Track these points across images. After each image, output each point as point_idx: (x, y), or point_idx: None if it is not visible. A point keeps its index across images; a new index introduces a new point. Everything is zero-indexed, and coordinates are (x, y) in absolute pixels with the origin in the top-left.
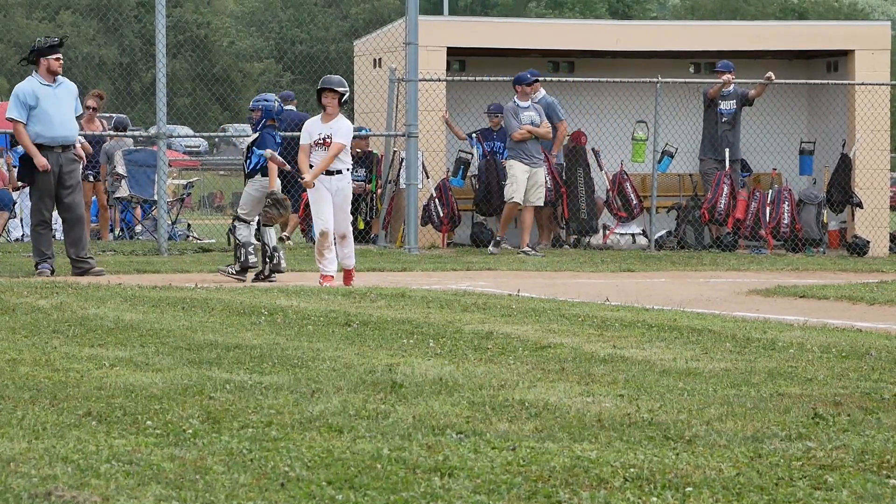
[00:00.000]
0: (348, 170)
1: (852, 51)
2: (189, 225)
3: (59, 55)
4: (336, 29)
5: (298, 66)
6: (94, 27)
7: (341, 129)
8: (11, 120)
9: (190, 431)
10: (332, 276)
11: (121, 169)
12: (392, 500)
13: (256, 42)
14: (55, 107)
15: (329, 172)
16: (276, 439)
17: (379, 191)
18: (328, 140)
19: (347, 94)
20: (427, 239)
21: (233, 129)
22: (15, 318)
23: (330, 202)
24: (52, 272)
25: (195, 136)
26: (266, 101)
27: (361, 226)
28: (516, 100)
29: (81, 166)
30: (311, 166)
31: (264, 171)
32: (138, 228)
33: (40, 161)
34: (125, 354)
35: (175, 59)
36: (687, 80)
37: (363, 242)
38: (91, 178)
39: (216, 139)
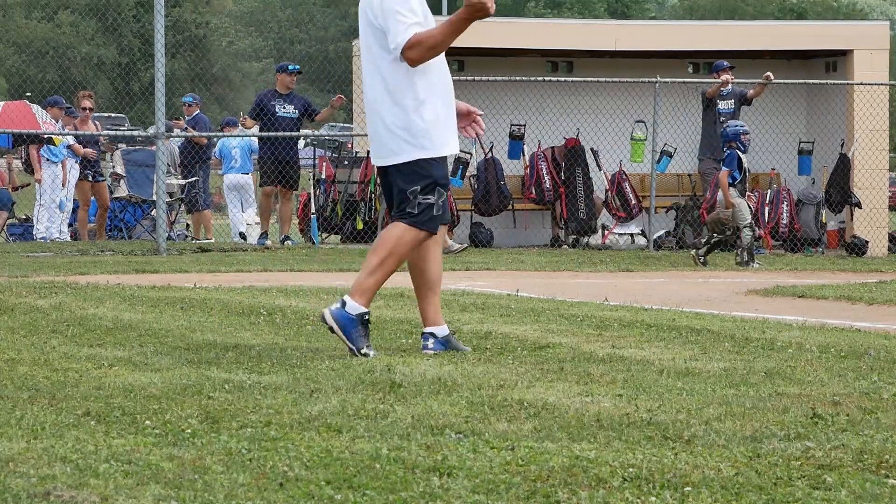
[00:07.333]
0: None
1: (851, 51)
2: (188, 225)
3: None
4: (335, 28)
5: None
6: (92, 27)
7: None
8: None
9: (189, 431)
10: None
11: (119, 169)
12: (391, 499)
13: (255, 42)
14: None
15: None
16: (275, 439)
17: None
18: None
19: None
20: None
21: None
22: (14, 318)
23: None
24: None
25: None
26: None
27: (360, 226)
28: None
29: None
30: None
31: None
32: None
33: None
34: (124, 354)
35: (174, 59)
36: (685, 79)
37: (363, 242)
38: (90, 178)
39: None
